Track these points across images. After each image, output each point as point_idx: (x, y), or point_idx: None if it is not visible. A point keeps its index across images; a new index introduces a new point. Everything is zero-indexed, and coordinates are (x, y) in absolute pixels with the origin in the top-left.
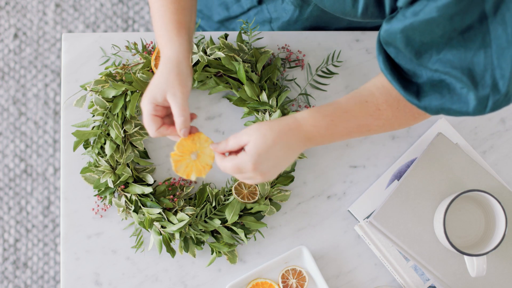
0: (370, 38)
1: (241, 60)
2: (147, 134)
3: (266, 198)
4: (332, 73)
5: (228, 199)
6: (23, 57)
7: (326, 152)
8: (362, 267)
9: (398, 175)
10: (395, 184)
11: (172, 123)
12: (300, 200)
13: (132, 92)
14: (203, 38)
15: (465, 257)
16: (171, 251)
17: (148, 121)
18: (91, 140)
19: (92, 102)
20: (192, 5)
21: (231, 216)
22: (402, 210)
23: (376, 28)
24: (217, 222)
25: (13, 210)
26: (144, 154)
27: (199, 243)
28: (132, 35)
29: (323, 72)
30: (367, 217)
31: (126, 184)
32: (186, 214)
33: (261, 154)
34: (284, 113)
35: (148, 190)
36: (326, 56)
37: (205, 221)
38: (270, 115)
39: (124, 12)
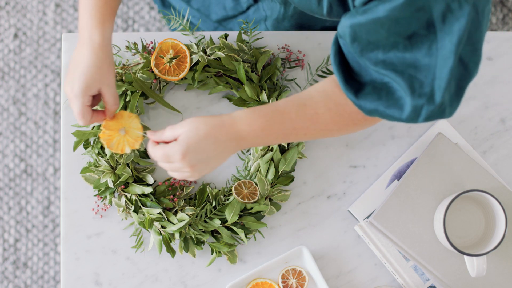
0: None
1: (241, 60)
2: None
3: (266, 198)
4: (331, 72)
5: (228, 199)
6: (23, 57)
7: (326, 152)
8: (362, 267)
9: (398, 175)
10: (395, 184)
11: (93, 105)
12: (300, 200)
13: (132, 92)
14: (203, 38)
15: (465, 257)
16: (171, 251)
17: (83, 112)
18: (91, 140)
19: None
20: None
21: (231, 216)
22: (402, 210)
23: None
24: (217, 222)
25: (13, 210)
26: (144, 154)
27: (199, 243)
28: (132, 35)
29: (323, 72)
30: (367, 217)
31: (126, 184)
32: (186, 214)
33: (190, 145)
34: None
35: (148, 190)
36: (326, 56)
37: (205, 221)
38: None
39: (124, 12)
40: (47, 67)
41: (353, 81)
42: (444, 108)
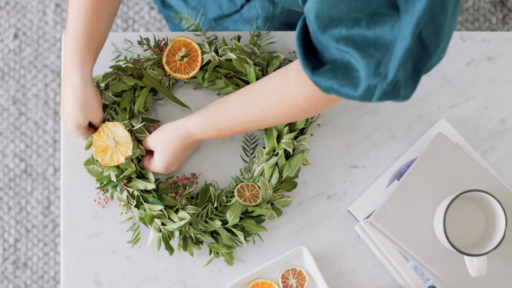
0: None
1: (252, 63)
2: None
3: (268, 203)
4: None
5: (230, 201)
6: (23, 57)
7: (326, 152)
8: (362, 267)
9: (398, 175)
10: (395, 184)
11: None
12: (300, 200)
13: (141, 87)
14: (216, 38)
15: (465, 257)
16: (170, 249)
17: (83, 139)
18: None
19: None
20: (106, 31)
21: (232, 218)
22: (402, 210)
23: None
24: (217, 223)
25: (13, 210)
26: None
27: (198, 242)
28: (132, 35)
29: None
30: (367, 217)
31: (129, 179)
32: (187, 213)
33: (164, 159)
34: None
35: (150, 186)
36: None
37: (206, 221)
38: None
39: (124, 12)
40: (47, 67)
41: (313, 58)
42: (399, 88)
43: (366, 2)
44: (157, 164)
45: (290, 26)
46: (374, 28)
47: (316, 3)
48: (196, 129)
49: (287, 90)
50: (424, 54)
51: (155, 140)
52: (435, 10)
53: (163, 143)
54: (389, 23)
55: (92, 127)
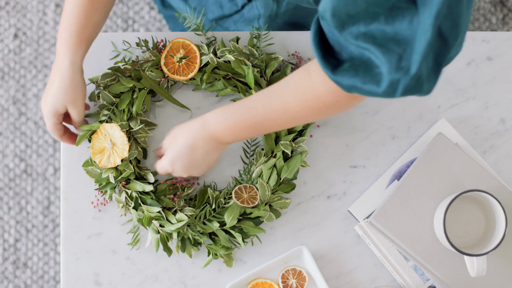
0: None
1: (250, 64)
2: (152, 130)
3: (266, 204)
4: None
5: (228, 202)
6: (23, 57)
7: (326, 152)
8: (362, 267)
9: (398, 175)
10: (395, 184)
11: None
12: (300, 200)
13: (139, 89)
14: (215, 39)
15: (465, 257)
16: (168, 250)
17: (53, 130)
18: None
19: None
20: (101, 21)
21: (230, 219)
22: (402, 210)
23: None
24: (215, 225)
25: (13, 210)
26: (145, 154)
27: (197, 244)
28: (132, 35)
29: None
30: (367, 217)
31: (128, 181)
32: (185, 214)
33: (173, 155)
34: None
35: (148, 188)
36: None
37: (204, 223)
38: None
39: (124, 12)
40: (47, 67)
41: (331, 58)
42: (422, 82)
43: None
44: (166, 164)
45: (294, 25)
46: (392, 23)
47: (332, 1)
48: (211, 118)
49: (309, 83)
50: (444, 47)
51: (166, 139)
52: (451, 3)
53: (174, 138)
54: (407, 17)
55: (67, 131)
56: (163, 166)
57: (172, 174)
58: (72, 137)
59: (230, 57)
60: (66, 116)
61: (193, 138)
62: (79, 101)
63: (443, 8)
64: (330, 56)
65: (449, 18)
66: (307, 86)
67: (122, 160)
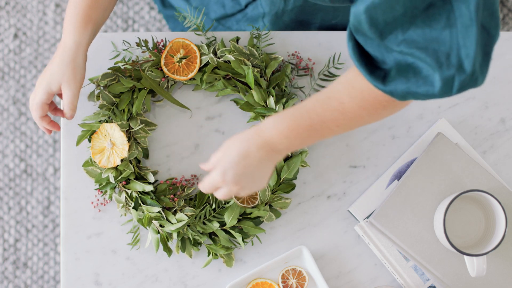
0: None
1: (250, 64)
2: (152, 130)
3: (266, 204)
4: (334, 75)
5: (228, 202)
6: (23, 57)
7: (326, 152)
8: (362, 267)
9: (398, 175)
10: (395, 184)
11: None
12: (300, 200)
13: (139, 89)
14: (215, 39)
15: (465, 257)
16: (168, 250)
17: (38, 108)
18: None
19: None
20: (109, 4)
21: (230, 220)
22: (402, 210)
23: None
24: (215, 225)
25: (13, 210)
26: (145, 154)
27: (197, 244)
28: (132, 35)
29: (325, 75)
30: (367, 217)
31: (128, 181)
32: (185, 214)
33: (226, 165)
34: None
35: (148, 188)
36: (327, 57)
37: (204, 223)
38: None
39: (124, 12)
40: None
41: (377, 70)
42: (477, 76)
43: None
44: (219, 159)
45: (300, 23)
46: (430, 24)
47: (369, 11)
48: (267, 121)
49: (364, 82)
50: (488, 38)
51: (217, 151)
52: None
53: (239, 141)
54: (443, 15)
55: (48, 116)
56: (212, 178)
57: (220, 194)
58: (51, 123)
59: (230, 57)
60: (55, 110)
61: (247, 145)
62: (75, 84)
63: (480, 0)
64: (375, 68)
65: (486, 8)
66: (363, 86)
67: (122, 160)
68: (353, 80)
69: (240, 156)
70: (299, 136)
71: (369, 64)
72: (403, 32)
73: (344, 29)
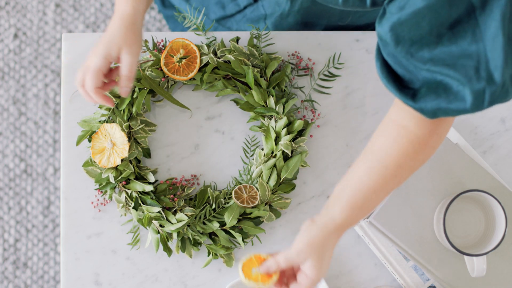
0: (370, 38)
1: (250, 64)
2: (152, 131)
3: (266, 204)
4: (334, 75)
5: (228, 202)
6: (23, 57)
7: (326, 152)
8: (362, 267)
9: None
10: None
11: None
12: (300, 200)
13: (139, 89)
14: (215, 39)
15: (465, 257)
16: (168, 250)
17: (94, 75)
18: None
19: None
20: None
21: (229, 220)
22: (402, 210)
23: (374, 27)
24: (215, 225)
25: (13, 210)
26: (147, 154)
27: (196, 244)
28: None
29: (325, 75)
30: (367, 217)
31: (128, 181)
32: (185, 214)
33: (320, 270)
34: (290, 120)
35: (148, 188)
36: (327, 57)
37: (204, 223)
38: (276, 121)
39: None
40: (47, 67)
41: (406, 89)
42: (507, 88)
43: (446, 13)
44: (316, 274)
45: (305, 25)
46: (455, 41)
47: (394, 28)
48: (343, 217)
49: (407, 134)
50: None
51: (305, 251)
52: (509, 4)
53: (318, 249)
54: (469, 31)
55: (105, 96)
56: (316, 276)
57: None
58: (105, 98)
59: (230, 57)
60: (107, 84)
61: (332, 241)
62: (136, 48)
63: (506, 11)
64: (404, 87)
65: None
66: (410, 138)
67: (122, 160)
68: (396, 137)
69: (325, 257)
70: (367, 213)
71: (398, 83)
72: (429, 51)
73: (349, 30)
